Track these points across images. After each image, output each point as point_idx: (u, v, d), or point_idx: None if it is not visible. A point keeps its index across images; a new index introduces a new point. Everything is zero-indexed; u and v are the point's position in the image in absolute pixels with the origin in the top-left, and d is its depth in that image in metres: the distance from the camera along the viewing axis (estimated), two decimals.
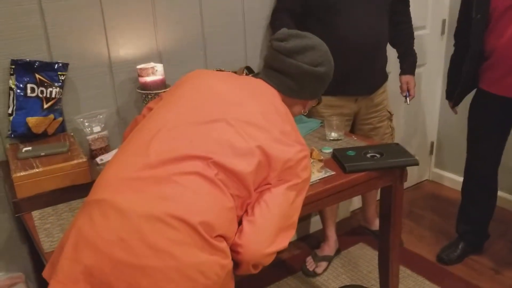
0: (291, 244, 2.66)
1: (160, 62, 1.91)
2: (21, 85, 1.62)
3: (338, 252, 2.57)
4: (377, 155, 1.73)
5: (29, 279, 1.81)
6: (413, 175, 3.26)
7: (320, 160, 1.61)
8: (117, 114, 1.91)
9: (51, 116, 1.68)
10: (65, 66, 1.70)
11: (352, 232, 2.79)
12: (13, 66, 1.61)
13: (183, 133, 1.13)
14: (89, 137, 1.74)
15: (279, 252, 1.21)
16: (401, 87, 2.39)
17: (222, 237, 1.08)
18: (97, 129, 1.75)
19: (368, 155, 1.73)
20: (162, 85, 1.80)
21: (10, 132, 1.64)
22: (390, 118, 2.38)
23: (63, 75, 1.70)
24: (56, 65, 1.68)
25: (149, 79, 1.76)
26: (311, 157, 1.60)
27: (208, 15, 2.04)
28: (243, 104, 1.22)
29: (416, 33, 2.40)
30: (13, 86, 1.62)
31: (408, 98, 2.38)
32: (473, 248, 2.52)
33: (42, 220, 1.40)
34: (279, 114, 1.25)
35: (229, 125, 1.15)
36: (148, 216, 1.00)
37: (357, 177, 1.64)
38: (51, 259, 1.10)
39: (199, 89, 1.25)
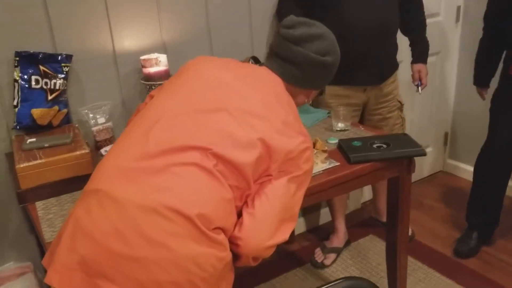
0: (300, 235, 2.66)
1: (165, 53, 1.90)
2: (25, 77, 1.63)
3: (347, 243, 2.54)
4: (384, 146, 1.70)
5: (38, 268, 1.84)
6: (426, 166, 3.21)
7: (324, 151, 1.59)
8: (122, 105, 1.91)
9: (56, 107, 1.69)
10: (68, 58, 1.71)
11: (362, 223, 2.76)
12: (17, 58, 1.62)
13: (183, 122, 1.12)
14: (94, 129, 1.75)
15: (279, 245, 1.19)
16: (413, 76, 2.34)
17: (220, 229, 1.07)
18: (101, 120, 1.75)
19: (375, 146, 1.70)
20: (166, 75, 1.79)
21: (15, 124, 1.65)
22: (400, 108, 2.33)
23: (67, 66, 1.70)
24: (60, 56, 1.68)
25: (152, 70, 1.76)
26: (314, 147, 1.57)
27: (213, 5, 2.02)
28: (245, 93, 1.20)
29: (429, 20, 2.35)
30: (17, 78, 1.63)
31: (420, 87, 2.33)
32: (486, 236, 2.47)
33: (45, 211, 1.41)
34: (281, 103, 1.23)
35: (230, 115, 1.14)
36: (144, 208, 0.99)
37: (362, 168, 1.62)
38: (50, 248, 1.11)
39: (200, 77, 1.23)
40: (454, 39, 2.99)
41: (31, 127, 1.66)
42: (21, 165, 1.43)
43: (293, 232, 2.60)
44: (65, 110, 1.74)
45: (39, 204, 1.45)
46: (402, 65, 2.55)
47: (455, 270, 2.32)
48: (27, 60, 1.63)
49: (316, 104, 2.20)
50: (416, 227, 2.67)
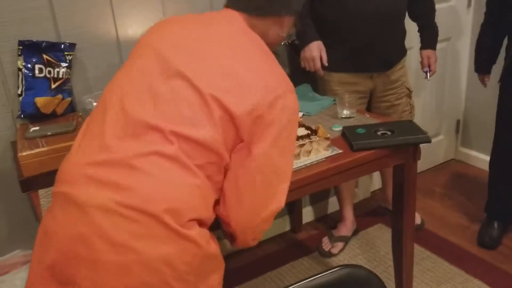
0: (307, 224, 2.65)
1: None
2: (29, 66, 1.64)
3: (355, 233, 2.53)
4: (388, 133, 1.68)
5: None
6: (438, 155, 3.17)
7: (327, 138, 1.57)
8: None
9: (59, 96, 1.70)
10: (71, 46, 1.71)
11: (371, 212, 2.74)
12: (21, 47, 1.63)
13: (136, 100, 1.04)
14: None
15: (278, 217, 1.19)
16: (421, 62, 2.30)
17: (195, 220, 1.01)
18: None
19: (379, 133, 1.68)
20: None
21: (19, 113, 1.67)
22: (409, 95, 2.29)
23: (70, 55, 1.71)
24: (63, 45, 1.69)
25: None
26: (316, 135, 1.56)
27: None
28: (205, 50, 1.09)
29: (440, 5, 2.31)
30: (21, 67, 1.64)
31: (428, 74, 2.29)
32: (506, 225, 2.43)
33: (46, 199, 1.43)
34: (246, 49, 1.11)
35: (186, 82, 1.03)
36: (106, 210, 0.94)
37: (365, 155, 1.60)
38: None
39: (156, 45, 1.12)
40: (466, 25, 2.92)
41: (35, 116, 1.68)
42: (24, 153, 1.44)
43: (300, 221, 2.60)
44: (69, 99, 1.75)
45: (41, 192, 1.46)
46: (412, 52, 2.51)
47: (464, 260, 2.29)
48: (31, 49, 1.64)
49: (322, 92, 2.17)
50: (427, 216, 2.64)
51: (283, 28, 1.28)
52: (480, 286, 2.12)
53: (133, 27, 1.86)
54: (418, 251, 2.35)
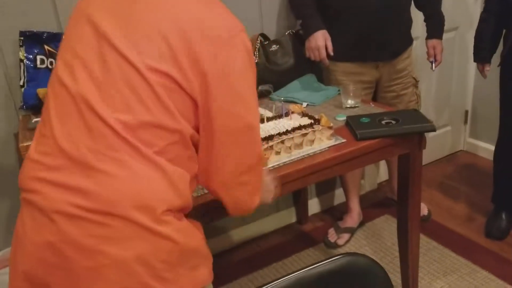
0: (314, 216, 2.64)
1: None
2: (30, 57, 1.64)
3: (362, 224, 2.51)
4: (393, 122, 1.66)
5: None
6: (446, 146, 3.13)
7: (330, 127, 1.56)
8: None
9: None
10: None
11: (378, 204, 2.72)
12: (22, 38, 1.63)
13: (76, 80, 0.93)
14: None
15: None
16: (427, 52, 2.27)
17: (170, 210, 0.93)
18: None
19: (383, 122, 1.66)
20: None
21: (22, 104, 1.67)
22: (415, 85, 2.26)
23: None
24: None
25: None
26: (319, 124, 1.54)
27: None
28: (139, 17, 0.95)
29: None
30: (23, 58, 1.64)
31: (434, 64, 2.26)
32: None
33: None
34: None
35: (119, 55, 0.92)
36: (69, 216, 0.88)
37: (369, 144, 1.58)
38: None
39: (90, 11, 0.98)
40: (474, 14, 2.87)
41: (38, 107, 1.68)
42: (25, 144, 1.45)
43: (306, 212, 2.59)
44: None
45: None
46: (418, 41, 2.48)
47: (471, 250, 2.27)
48: (32, 40, 1.64)
49: (327, 82, 2.15)
50: (434, 207, 2.61)
51: None
52: (487, 277, 2.10)
53: None
54: (425, 242, 2.33)
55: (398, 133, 1.61)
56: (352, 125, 1.64)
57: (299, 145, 1.51)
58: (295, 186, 1.49)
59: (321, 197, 2.69)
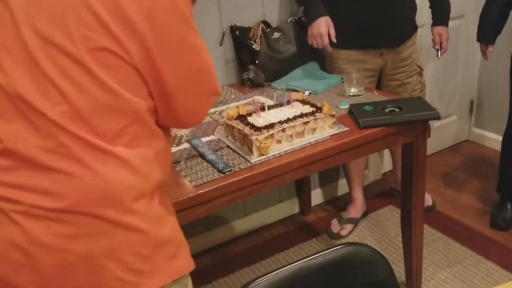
0: (317, 206, 2.62)
1: None
2: None
3: (365, 214, 2.49)
4: (396, 110, 1.63)
5: None
6: (451, 135, 3.10)
7: (332, 115, 1.53)
8: None
9: None
10: None
11: (382, 194, 2.69)
12: None
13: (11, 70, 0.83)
14: None
15: None
16: (433, 40, 2.23)
17: (139, 197, 0.87)
18: None
19: (387, 110, 1.63)
20: None
21: None
22: (420, 73, 2.22)
23: None
24: None
25: None
26: (321, 112, 1.52)
27: None
28: None
29: None
30: None
31: (439, 52, 2.22)
32: None
33: None
34: None
35: (46, 41, 0.81)
36: (33, 216, 0.83)
37: (372, 132, 1.55)
38: None
39: None
40: (480, 2, 2.81)
41: None
42: None
43: (309, 203, 2.57)
44: None
45: None
46: (423, 29, 2.44)
47: (476, 241, 2.24)
48: None
49: (330, 70, 2.12)
50: (438, 197, 2.59)
51: None
52: (492, 268, 2.07)
53: None
54: (429, 232, 2.30)
55: (401, 121, 1.59)
56: (355, 113, 1.61)
57: (301, 134, 1.48)
58: (297, 175, 1.47)
59: (324, 187, 2.66)
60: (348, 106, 1.70)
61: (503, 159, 2.34)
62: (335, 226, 2.39)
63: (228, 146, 1.51)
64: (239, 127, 1.46)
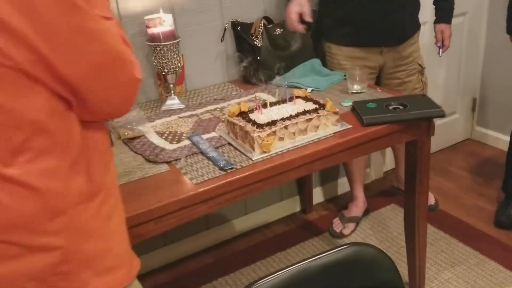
0: (318, 205, 2.59)
1: (172, 13, 1.82)
2: None
3: (367, 213, 2.46)
4: (400, 107, 1.60)
5: None
6: (453, 134, 3.07)
7: (335, 113, 1.50)
8: None
9: None
10: None
11: (384, 193, 2.67)
12: None
13: None
14: None
15: None
16: (435, 37, 2.20)
17: (57, 215, 0.79)
18: None
19: (390, 107, 1.61)
20: (171, 36, 1.72)
21: None
22: (421, 72, 2.18)
23: None
24: None
25: (156, 30, 1.69)
26: (324, 109, 1.49)
27: None
28: None
29: None
30: None
31: (441, 50, 2.19)
32: None
33: None
34: None
35: None
36: None
37: (376, 130, 1.53)
38: None
39: None
40: (483, 1, 2.80)
41: None
42: None
43: (311, 201, 2.54)
44: None
45: None
46: (425, 26, 2.41)
47: (480, 240, 2.22)
48: None
49: (330, 66, 2.09)
50: (441, 196, 2.56)
51: None
52: (495, 268, 2.05)
53: (134, 1, 1.79)
54: (432, 232, 2.28)
55: (405, 118, 1.56)
56: (358, 111, 1.59)
57: (303, 131, 1.46)
58: (300, 173, 1.44)
59: (325, 186, 2.64)
60: (351, 103, 1.67)
61: (510, 158, 2.31)
62: (337, 225, 2.37)
63: (229, 143, 1.48)
64: (241, 124, 1.43)
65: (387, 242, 2.26)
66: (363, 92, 1.80)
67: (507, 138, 2.89)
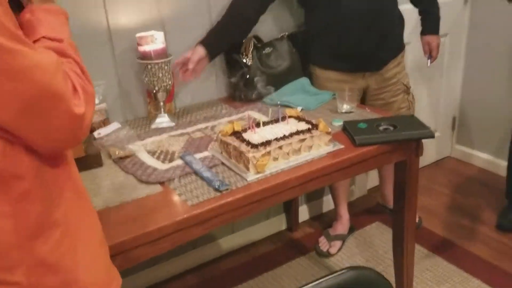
0: (304, 223, 2.60)
1: (163, 29, 1.81)
2: None
3: (351, 230, 2.47)
4: (390, 128, 1.62)
5: None
6: (433, 152, 3.13)
7: (328, 133, 1.51)
8: (117, 85, 1.83)
9: None
10: None
11: (368, 211, 2.69)
12: None
13: None
14: None
15: None
16: (423, 49, 2.23)
17: (14, 246, 0.77)
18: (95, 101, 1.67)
19: (381, 128, 1.62)
20: (163, 54, 1.71)
21: None
22: (406, 91, 2.20)
23: None
24: None
25: (148, 48, 1.68)
26: (317, 129, 1.50)
27: None
28: None
29: (438, 1, 2.23)
30: None
31: (429, 61, 2.23)
32: None
33: None
34: None
35: None
36: None
37: (368, 150, 1.54)
38: None
39: None
40: (463, 20, 2.88)
41: None
42: None
43: (297, 219, 2.54)
44: None
45: None
46: (408, 47, 2.45)
47: (463, 258, 2.25)
48: None
49: (315, 86, 2.09)
50: (424, 214, 2.59)
51: None
52: (479, 285, 2.08)
53: (125, 16, 1.77)
54: (417, 250, 2.27)
55: (397, 139, 1.58)
56: (350, 131, 1.60)
57: (297, 151, 1.46)
58: (294, 194, 1.44)
59: (310, 204, 2.64)
60: (341, 123, 1.69)
61: (510, 167, 2.39)
62: (323, 244, 2.36)
63: (222, 163, 1.47)
64: (235, 143, 1.42)
65: (374, 261, 2.27)
66: (352, 112, 1.82)
67: (486, 156, 2.99)
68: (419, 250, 2.31)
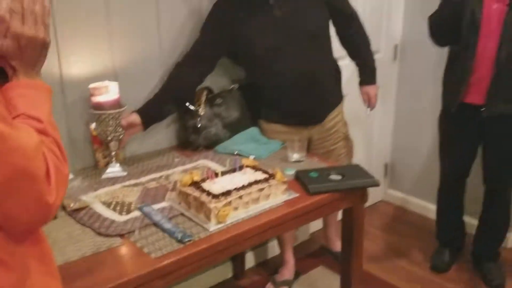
0: (249, 270, 2.60)
1: (116, 80, 1.81)
2: None
3: (297, 275, 2.51)
4: (339, 177, 1.71)
5: None
6: (368, 196, 3.27)
7: (284, 182, 1.57)
8: (67, 135, 1.79)
9: None
10: None
11: (311, 255, 2.75)
12: None
13: None
14: None
15: None
16: (362, 98, 2.38)
17: None
18: None
19: (330, 177, 1.71)
20: (116, 104, 1.71)
21: None
22: (345, 139, 2.33)
23: None
24: None
25: (101, 98, 1.67)
26: (274, 179, 1.55)
27: (166, 31, 1.98)
28: None
29: None
30: None
31: (369, 109, 2.39)
32: (457, 250, 2.63)
33: None
34: None
35: None
36: None
37: (321, 198, 1.61)
38: None
39: None
40: (392, 75, 3.13)
41: None
42: None
43: (243, 266, 2.54)
44: None
45: None
46: (347, 97, 2.61)
47: None
48: None
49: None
50: (364, 256, 2.67)
51: None
52: None
53: (78, 66, 1.77)
54: None
55: (347, 187, 1.67)
56: (303, 180, 1.67)
57: (256, 200, 1.50)
58: (254, 242, 1.47)
59: (255, 250, 2.66)
60: (293, 172, 1.76)
61: (437, 210, 2.61)
62: None
63: (182, 214, 1.48)
64: (195, 194, 1.44)
65: None
66: (302, 161, 1.90)
67: (416, 200, 3.19)
68: None
